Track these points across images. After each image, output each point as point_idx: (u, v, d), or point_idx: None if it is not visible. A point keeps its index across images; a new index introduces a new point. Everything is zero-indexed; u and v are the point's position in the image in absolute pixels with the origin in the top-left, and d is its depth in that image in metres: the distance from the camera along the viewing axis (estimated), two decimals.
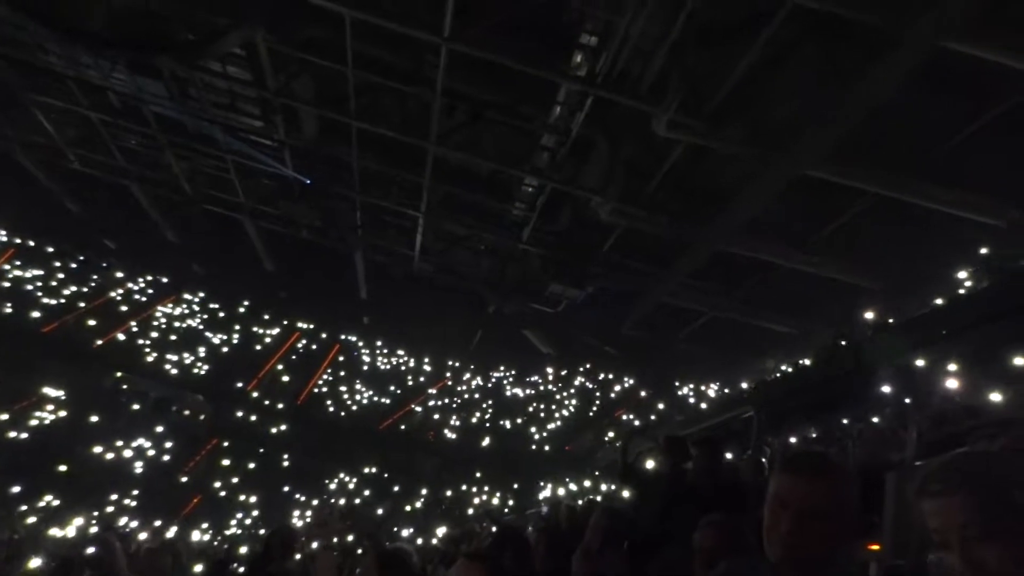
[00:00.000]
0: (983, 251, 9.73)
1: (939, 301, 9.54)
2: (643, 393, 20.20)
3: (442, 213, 14.27)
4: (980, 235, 10.03)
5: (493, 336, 19.84)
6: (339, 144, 12.65)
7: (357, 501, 19.49)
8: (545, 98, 10.51)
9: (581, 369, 21.21)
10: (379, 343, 22.19)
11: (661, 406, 18.83)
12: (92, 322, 19.92)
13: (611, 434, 19.88)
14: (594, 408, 21.35)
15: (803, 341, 13.60)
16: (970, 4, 7.00)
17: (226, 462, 19.49)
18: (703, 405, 16.82)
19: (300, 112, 12.47)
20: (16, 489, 14.98)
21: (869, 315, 11.36)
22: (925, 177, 9.80)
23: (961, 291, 9.63)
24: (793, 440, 9.94)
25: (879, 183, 9.98)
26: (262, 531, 16.25)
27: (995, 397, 7.56)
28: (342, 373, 21.91)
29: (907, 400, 8.57)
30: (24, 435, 17.48)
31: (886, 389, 8.98)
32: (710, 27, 8.63)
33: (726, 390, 16.44)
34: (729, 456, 9.84)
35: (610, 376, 20.99)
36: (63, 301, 20.03)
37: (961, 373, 7.91)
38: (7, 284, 19.61)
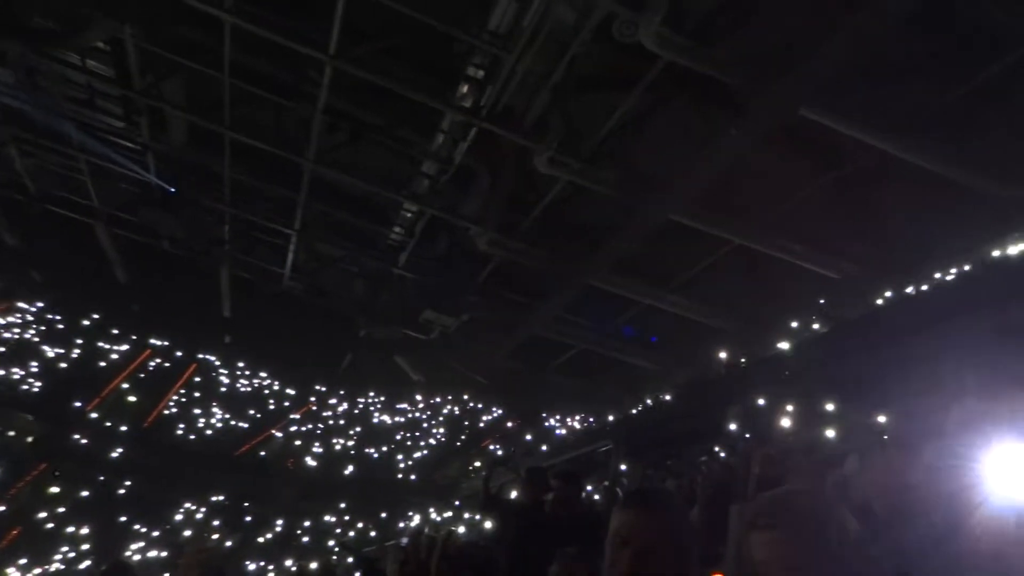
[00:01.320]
0: (821, 301, 10.71)
1: (782, 345, 10.35)
2: (510, 423, 20.38)
3: (316, 232, 13.88)
4: (820, 286, 11.02)
5: (363, 361, 19.38)
6: (210, 153, 12.06)
7: (204, 532, 18.24)
8: (429, 125, 10.55)
9: (451, 398, 21.12)
10: (241, 364, 21.04)
11: (528, 437, 19.08)
12: None
13: (477, 464, 19.87)
14: (462, 437, 21.28)
15: (664, 377, 14.31)
16: (821, 76, 7.75)
17: (55, 489, 17.65)
18: (569, 436, 17.24)
19: (168, 115, 11.79)
20: None
21: (722, 355, 12.16)
22: (775, 230, 10.67)
23: (800, 336, 10.51)
24: (649, 472, 10.34)
25: (735, 232, 10.76)
26: (85, 564, 14.90)
27: (827, 435, 8.25)
28: (197, 394, 20.54)
29: (749, 436, 9.19)
30: None
31: (733, 426, 9.59)
32: (590, 74, 9.05)
33: (590, 422, 16.93)
34: (589, 488, 10.10)
35: (479, 405, 21.03)
36: None
37: (798, 412, 8.57)
38: None
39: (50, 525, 17.03)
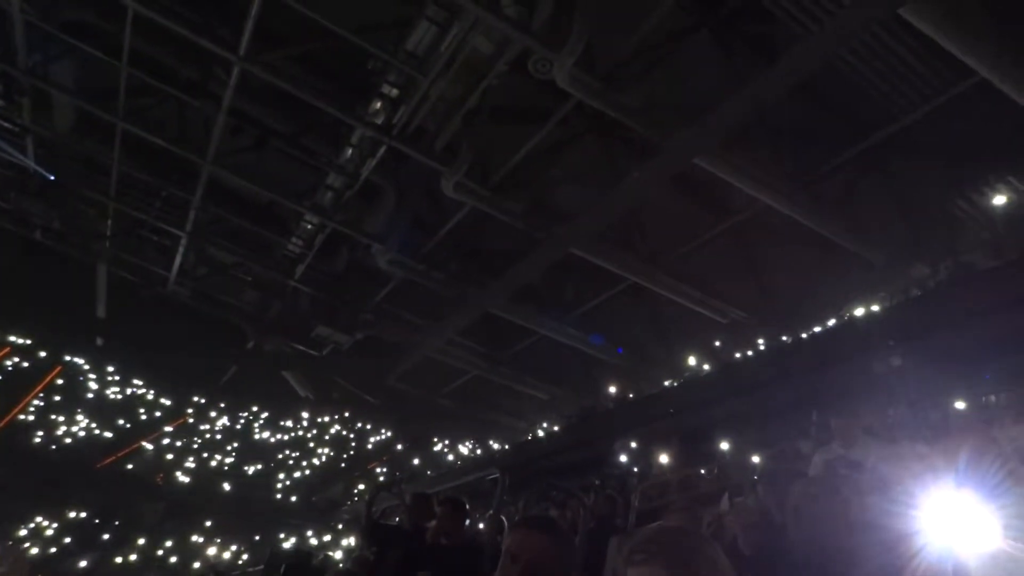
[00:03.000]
0: (716, 343, 11.21)
1: (668, 382, 10.73)
2: (399, 446, 20.04)
3: (209, 236, 13.26)
4: (710, 327, 11.55)
5: (248, 374, 18.56)
6: (98, 143, 11.33)
7: (54, 550, 16.80)
8: (338, 138, 10.36)
9: (339, 417, 20.54)
10: (111, 369, 19.66)
11: (416, 461, 18.81)
12: None
13: (361, 486, 19.38)
14: (347, 458, 20.71)
15: (553, 407, 14.50)
16: (719, 131, 8.19)
17: None
18: (457, 462, 17.13)
19: (54, 99, 11.01)
20: None
21: (612, 389, 12.47)
22: (671, 272, 11.12)
23: (685, 376, 10.95)
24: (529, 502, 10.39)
25: (633, 271, 11.12)
26: None
27: (702, 473, 8.58)
28: (59, 399, 19.00)
29: (633, 470, 9.44)
30: None
31: (619, 459, 9.83)
32: (503, 104, 9.19)
33: (478, 450, 16.89)
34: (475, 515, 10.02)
35: (368, 426, 20.57)
36: None
37: (678, 450, 8.89)
38: None
39: None
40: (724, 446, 8.65)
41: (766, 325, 10.87)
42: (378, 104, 9.43)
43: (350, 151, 10.36)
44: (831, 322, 9.59)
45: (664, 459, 9.07)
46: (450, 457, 18.08)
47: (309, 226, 12.28)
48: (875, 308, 8.98)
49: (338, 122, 9.89)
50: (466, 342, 14.75)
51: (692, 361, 11.58)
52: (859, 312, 9.12)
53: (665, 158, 8.82)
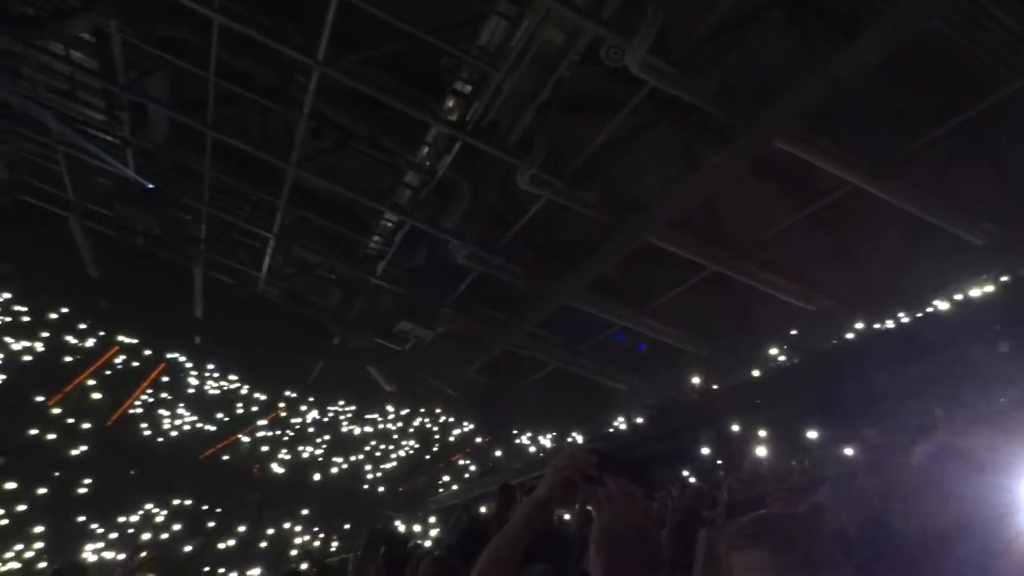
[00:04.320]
0: (793, 332, 10.82)
1: (755, 373, 10.43)
2: (481, 439, 20.29)
3: (295, 237, 13.78)
4: (794, 315, 11.15)
5: (335, 369, 19.19)
6: (191, 151, 11.94)
7: (164, 536, 17.88)
8: (414, 137, 10.55)
9: (422, 410, 20.97)
10: (210, 366, 20.73)
11: (498, 452, 19.00)
12: None
13: (447, 478, 19.75)
14: (432, 450, 21.13)
15: (634, 399, 14.35)
16: (801, 112, 7.88)
17: (11, 485, 17.20)
18: (539, 454, 17.20)
19: (150, 112, 11.66)
20: None
21: (695, 380, 12.23)
22: (753, 259, 10.79)
23: (771, 366, 10.61)
24: None
25: (713, 259, 10.86)
26: (42, 565, 14.52)
27: (793, 464, 8.31)
28: (164, 395, 20.19)
29: (720, 461, 9.24)
30: None
31: (704, 450, 9.64)
32: (576, 95, 9.12)
33: (560, 442, 16.91)
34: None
35: (450, 419, 20.90)
36: None
37: (768, 440, 8.64)
38: None
39: (4, 522, 16.60)
40: (815, 436, 8.36)
41: (857, 312, 10.39)
42: (452, 101, 9.54)
43: (426, 149, 10.54)
44: (929, 307, 9.09)
45: (752, 450, 8.84)
46: (532, 449, 18.16)
47: (389, 224, 12.57)
48: (978, 291, 8.45)
49: (414, 121, 10.07)
50: (545, 334, 14.77)
51: (778, 350, 11.22)
52: (960, 296, 8.60)
53: (743, 142, 8.56)
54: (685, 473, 9.21)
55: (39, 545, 16.24)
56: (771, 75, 8.17)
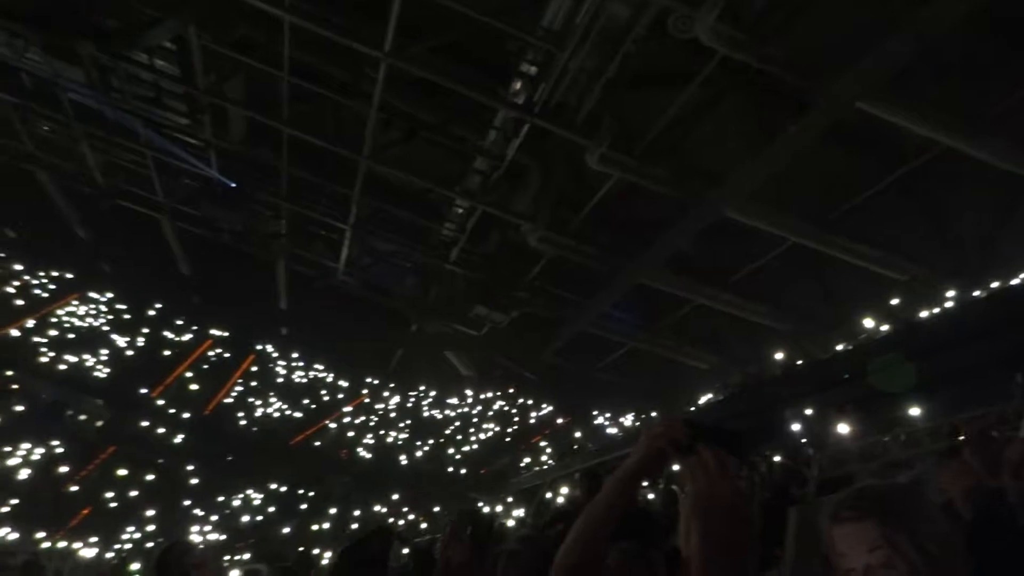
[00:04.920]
0: (884, 303, 10.32)
1: (841, 347, 10.02)
2: (560, 420, 20.35)
3: (370, 227, 14.09)
4: (884, 286, 10.64)
5: (414, 355, 19.61)
6: (268, 149, 12.35)
7: (261, 518, 18.78)
8: (482, 122, 10.59)
9: (500, 393, 21.19)
10: (296, 355, 21.56)
11: (578, 434, 19.01)
12: None
13: (527, 459, 19.93)
14: (511, 432, 21.35)
15: (716, 377, 14.06)
16: (882, 72, 7.48)
17: (122, 472, 18.41)
18: (619, 435, 17.11)
19: (229, 113, 12.12)
20: None
21: (778, 356, 11.87)
22: (836, 229, 10.35)
23: (861, 338, 10.15)
24: None
25: (793, 231, 10.47)
26: (151, 545, 15.48)
27: (886, 440, 7.97)
28: (255, 384, 21.13)
29: (808, 439, 8.95)
30: None
31: (792, 427, 9.36)
32: (644, 71, 8.93)
33: (640, 420, 16.77)
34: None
35: (529, 401, 21.05)
36: None
37: (857, 416, 8.31)
38: None
39: (115, 505, 17.79)
40: (909, 411, 7.99)
41: (952, 279, 9.82)
42: (518, 84, 9.52)
43: (494, 134, 10.57)
44: None
45: (842, 427, 8.52)
46: (612, 430, 18.09)
47: (460, 210, 12.70)
48: None
49: (481, 106, 10.11)
50: (619, 314, 14.64)
51: (867, 322, 10.73)
52: None
53: (822, 107, 8.19)
54: (771, 452, 8.98)
55: (151, 528, 17.34)
56: (848, 35, 7.78)
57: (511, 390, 20.95)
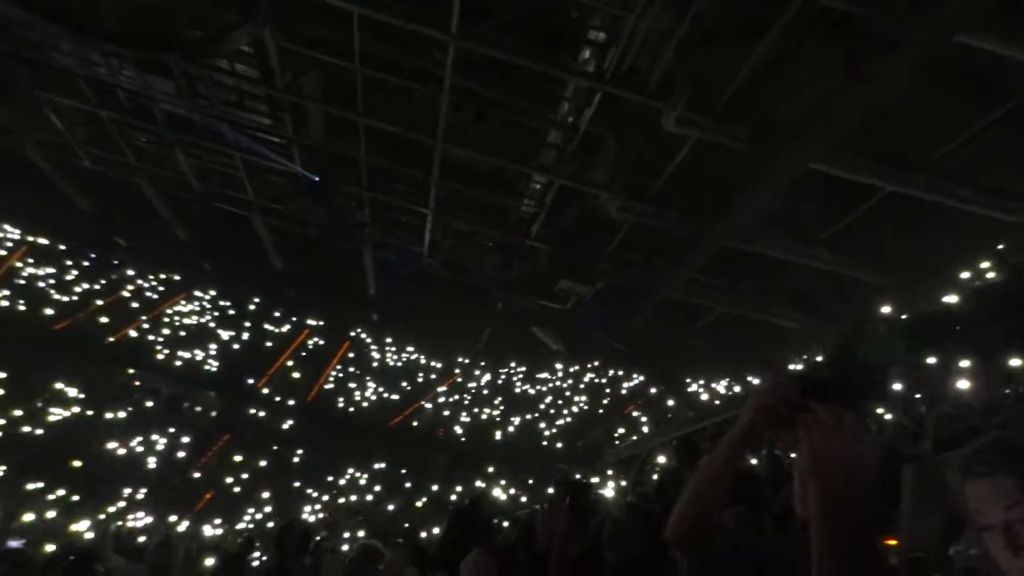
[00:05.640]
0: (1000, 247, 9.64)
1: (950, 298, 9.46)
2: (653, 389, 20.18)
3: (450, 210, 14.28)
4: (988, 231, 9.96)
5: (502, 333, 19.84)
6: (347, 141, 12.68)
7: (369, 497, 19.60)
8: (553, 95, 10.50)
9: (590, 366, 21.19)
10: (388, 340, 22.25)
11: (671, 402, 18.83)
12: (104, 319, 20.10)
13: (622, 430, 19.92)
14: (604, 404, 21.35)
15: (812, 337, 13.56)
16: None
17: (238, 458, 19.61)
18: (714, 401, 16.83)
19: (308, 109, 12.50)
20: (40, 485, 15.30)
21: (881, 311, 11.30)
22: (934, 173, 9.72)
23: (972, 287, 9.54)
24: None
25: (888, 179, 9.91)
26: (271, 525, 16.42)
27: (1007, 393, 7.50)
28: (352, 370, 22.00)
29: (919, 396, 8.53)
30: (39, 431, 17.70)
31: (898, 386, 8.94)
32: (716, 27, 8.60)
33: (735, 387, 16.43)
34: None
35: (620, 372, 20.97)
36: (75, 298, 20.21)
37: (971, 370, 7.85)
38: (20, 282, 19.81)
39: (236, 489, 18.99)
40: None
41: None
42: (587, 53, 9.37)
43: (566, 106, 10.46)
44: None
45: (955, 382, 8.06)
46: (705, 396, 17.80)
47: (537, 186, 12.68)
48: None
49: (551, 79, 10.01)
50: (706, 279, 14.31)
51: (978, 268, 10.04)
52: None
53: (912, 45, 7.65)
54: (880, 410, 8.63)
55: (267, 509, 18.42)
56: None
57: (600, 362, 20.93)
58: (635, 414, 20.32)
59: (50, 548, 10.33)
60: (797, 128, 9.55)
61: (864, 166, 9.77)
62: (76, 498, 15.84)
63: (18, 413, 17.61)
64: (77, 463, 17.25)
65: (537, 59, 9.53)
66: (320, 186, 14.02)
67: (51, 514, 13.79)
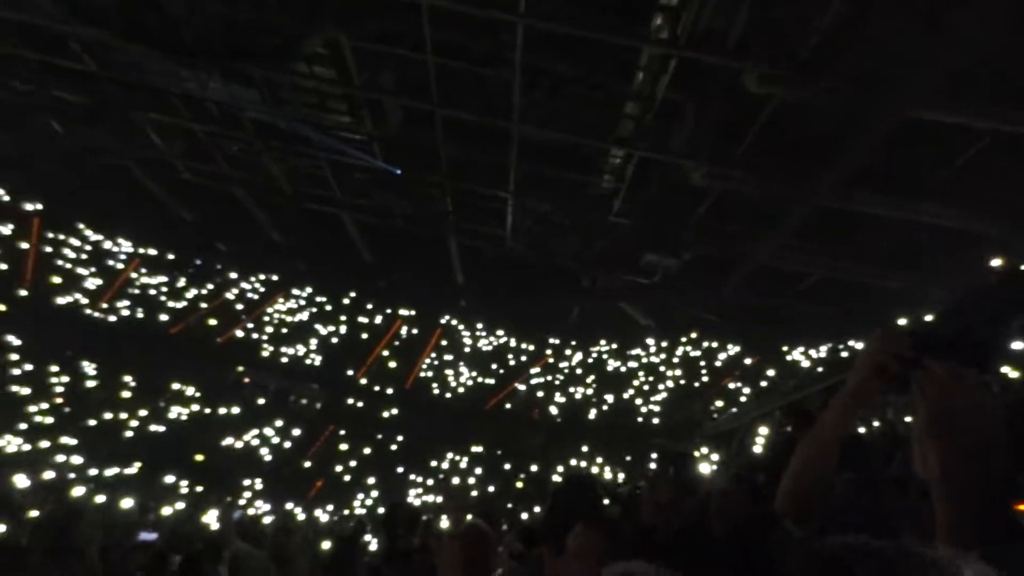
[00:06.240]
0: None
1: None
2: (749, 360, 19.64)
3: (530, 192, 14.28)
4: None
5: (590, 311, 19.75)
6: (424, 132, 12.86)
7: (470, 480, 20.04)
8: (626, 65, 10.28)
9: (683, 339, 20.81)
10: (479, 325, 22.56)
11: (771, 372, 18.27)
12: (213, 321, 21.33)
13: (719, 403, 19.51)
14: (700, 377, 20.95)
15: (919, 297, 12.84)
16: None
17: (344, 447, 20.47)
18: (816, 368, 16.22)
19: (385, 104, 12.75)
20: (170, 480, 16.51)
21: (995, 263, 10.56)
22: None
23: None
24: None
25: (997, 119, 9.20)
26: (380, 510, 17.06)
27: None
28: (446, 356, 22.46)
29: None
30: (163, 428, 19.06)
31: (1012, 343, 8.36)
32: None
33: (837, 352, 15.77)
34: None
35: (714, 344, 20.50)
36: (185, 304, 21.51)
37: None
38: (136, 291, 21.24)
39: (346, 477, 19.86)
40: None
41: None
42: (659, 18, 9.12)
43: (641, 75, 10.23)
44: None
45: None
46: (806, 364, 17.17)
47: (617, 160, 12.49)
48: None
49: (624, 49, 9.82)
50: (800, 243, 13.74)
51: None
52: None
53: None
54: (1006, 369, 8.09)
55: (375, 494, 19.16)
56: None
57: (693, 335, 20.52)
58: (732, 386, 19.83)
59: (180, 537, 11.13)
60: (891, 76, 8.99)
61: (964, 109, 9.11)
62: (200, 489, 16.96)
63: (144, 413, 19.02)
64: (199, 457, 18.48)
65: (608, 30, 9.35)
66: (401, 178, 14.31)
67: (180, 506, 14.79)
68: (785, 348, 17.76)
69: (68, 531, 6.70)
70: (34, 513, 9.93)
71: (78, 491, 12.89)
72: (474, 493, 17.99)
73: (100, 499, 12.99)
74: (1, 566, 6.21)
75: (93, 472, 16.09)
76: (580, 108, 11.59)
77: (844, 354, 15.07)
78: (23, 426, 17.38)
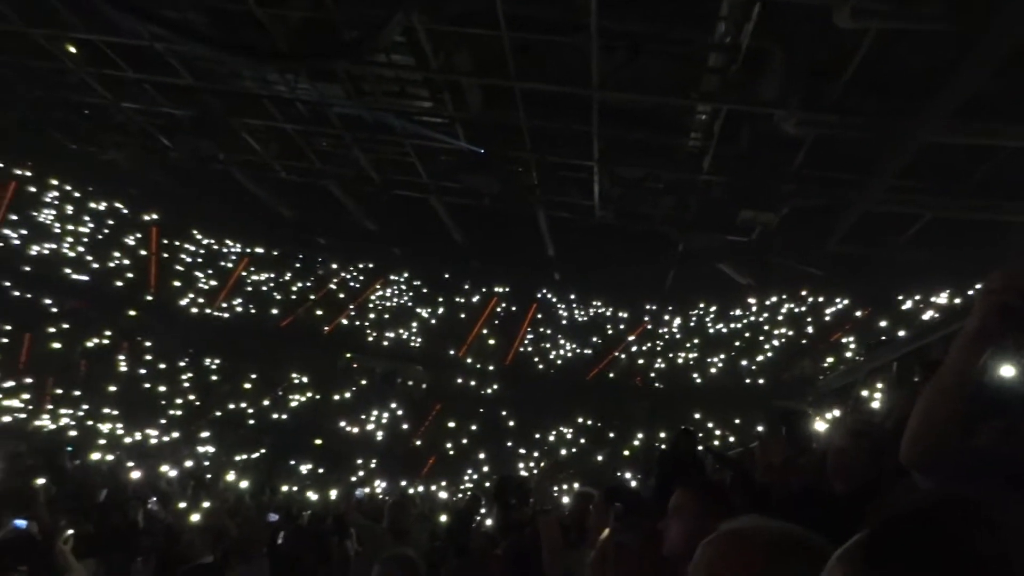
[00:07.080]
0: None
1: None
2: (859, 312, 18.74)
3: (615, 158, 14.05)
4: None
5: (687, 274, 19.33)
6: (505, 108, 12.85)
7: (575, 449, 20.23)
8: (706, 17, 9.89)
9: (786, 296, 20.06)
10: (573, 296, 22.56)
11: (883, 323, 17.39)
12: (319, 312, 22.35)
13: (830, 359, 18.76)
14: (807, 334, 20.18)
15: None
16: None
17: (451, 424, 21.08)
18: (935, 316, 15.31)
19: (464, 85, 12.81)
20: (292, 463, 17.59)
21: None
22: None
23: None
24: None
25: None
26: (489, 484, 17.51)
27: None
28: (543, 330, 22.63)
29: None
30: (284, 416, 20.24)
31: None
32: None
33: (957, 299, 14.82)
34: None
35: (820, 299, 19.66)
36: (293, 297, 22.62)
37: None
38: (248, 289, 22.51)
39: (453, 453, 20.48)
40: None
41: None
42: None
43: (722, 25, 9.82)
44: None
45: None
46: (925, 316, 16.21)
47: (703, 116, 12.09)
48: None
49: (702, 1, 9.45)
50: (908, 184, 12.89)
51: None
52: None
53: None
54: None
55: (485, 468, 19.67)
56: None
57: (798, 291, 19.75)
58: (843, 341, 19.00)
59: (307, 515, 11.85)
60: None
61: None
62: (322, 471, 17.95)
63: (266, 403, 20.26)
64: (318, 441, 19.53)
65: None
66: (486, 157, 14.39)
67: (303, 486, 15.73)
68: (900, 297, 16.82)
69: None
70: (182, 504, 10.71)
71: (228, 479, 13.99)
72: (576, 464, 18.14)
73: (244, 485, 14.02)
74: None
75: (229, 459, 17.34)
76: (661, 67, 11.26)
77: (962, 300, 14.13)
78: (162, 421, 18.90)
